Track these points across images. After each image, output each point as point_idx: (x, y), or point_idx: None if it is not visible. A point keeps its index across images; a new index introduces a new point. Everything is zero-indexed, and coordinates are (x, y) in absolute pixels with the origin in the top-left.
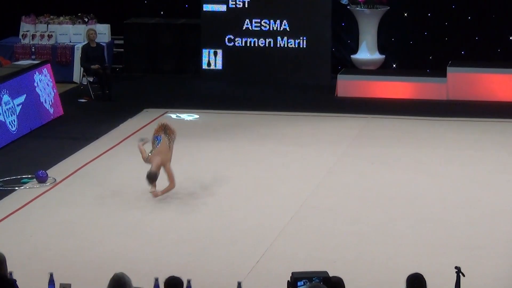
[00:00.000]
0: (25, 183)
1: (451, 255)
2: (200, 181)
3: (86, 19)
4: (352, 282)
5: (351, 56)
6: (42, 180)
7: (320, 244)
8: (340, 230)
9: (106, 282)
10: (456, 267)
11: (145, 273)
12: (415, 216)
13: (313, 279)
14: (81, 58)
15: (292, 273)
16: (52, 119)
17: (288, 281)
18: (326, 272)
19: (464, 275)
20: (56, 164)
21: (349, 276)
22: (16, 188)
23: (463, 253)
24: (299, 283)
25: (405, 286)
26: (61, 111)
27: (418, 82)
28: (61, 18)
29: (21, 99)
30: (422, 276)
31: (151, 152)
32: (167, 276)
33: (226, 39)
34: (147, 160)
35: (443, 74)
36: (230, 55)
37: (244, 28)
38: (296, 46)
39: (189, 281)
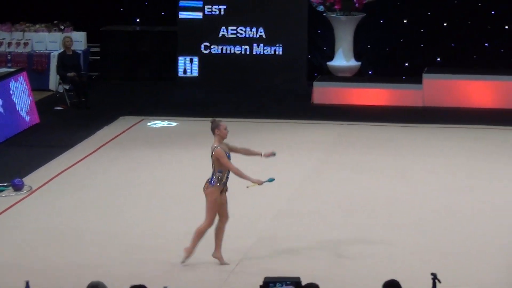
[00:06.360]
0: (1, 191)
1: (427, 262)
2: (178, 189)
3: (62, 27)
4: None
5: (327, 63)
6: (18, 188)
7: (296, 251)
8: (317, 237)
9: None
10: (432, 274)
11: (122, 282)
12: (391, 222)
13: (285, 283)
14: (57, 66)
15: (265, 278)
16: (28, 127)
17: (260, 285)
18: (298, 278)
19: (440, 282)
20: (32, 172)
21: (325, 283)
22: None
23: (440, 259)
24: (270, 285)
25: None
26: (37, 119)
27: (394, 89)
28: (37, 25)
29: None
30: (398, 282)
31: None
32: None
33: (202, 46)
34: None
35: (419, 81)
36: (206, 62)
37: (220, 35)
38: (272, 53)
39: None
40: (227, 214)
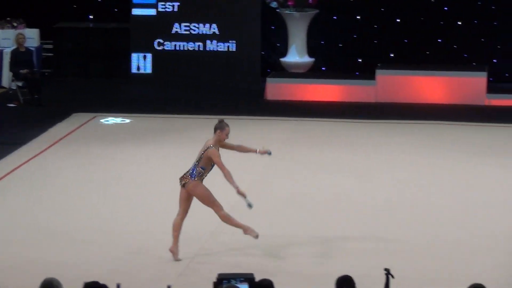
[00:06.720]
0: None
1: (380, 257)
2: (131, 185)
3: (15, 24)
4: (281, 285)
5: (281, 59)
6: None
7: (250, 247)
8: (269, 233)
9: (36, 287)
10: (385, 269)
11: (75, 278)
12: (344, 218)
13: (237, 279)
14: (10, 63)
15: (218, 274)
16: None
17: (214, 282)
18: (252, 274)
19: (393, 277)
20: None
21: (278, 279)
22: None
23: (392, 255)
24: (224, 282)
25: None
26: None
27: (347, 84)
28: None
29: None
30: (351, 278)
31: None
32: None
33: (156, 43)
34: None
35: (372, 77)
36: (159, 59)
37: (173, 31)
38: (226, 49)
39: (118, 286)
40: (187, 211)
